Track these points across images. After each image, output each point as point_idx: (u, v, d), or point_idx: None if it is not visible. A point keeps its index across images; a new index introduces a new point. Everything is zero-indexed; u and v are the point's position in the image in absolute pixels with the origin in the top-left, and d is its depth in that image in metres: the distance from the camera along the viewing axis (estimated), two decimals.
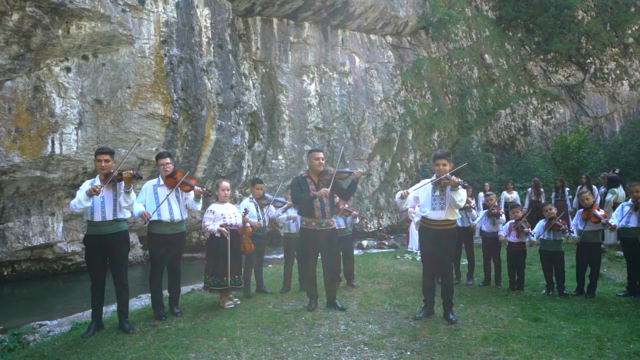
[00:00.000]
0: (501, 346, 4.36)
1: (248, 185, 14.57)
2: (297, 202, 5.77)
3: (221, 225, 5.82)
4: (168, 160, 5.69)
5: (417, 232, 10.26)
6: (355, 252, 8.58)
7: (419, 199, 5.37)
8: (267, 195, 7.02)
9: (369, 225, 17.79)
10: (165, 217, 5.52)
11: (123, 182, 4.93)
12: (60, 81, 10.55)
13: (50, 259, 11.44)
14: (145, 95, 11.75)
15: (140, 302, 7.25)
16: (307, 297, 5.87)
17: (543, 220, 6.99)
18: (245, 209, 6.18)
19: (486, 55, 23.06)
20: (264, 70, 16.04)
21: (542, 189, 12.66)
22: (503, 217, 7.66)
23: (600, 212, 6.68)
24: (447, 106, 21.76)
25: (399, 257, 10.70)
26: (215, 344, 4.49)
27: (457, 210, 5.30)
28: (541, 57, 24.01)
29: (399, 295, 6.56)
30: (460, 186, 4.96)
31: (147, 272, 6.21)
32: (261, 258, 7.03)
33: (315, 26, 17.19)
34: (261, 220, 6.66)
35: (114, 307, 5.88)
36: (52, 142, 10.49)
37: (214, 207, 6.00)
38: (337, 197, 6.22)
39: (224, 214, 5.94)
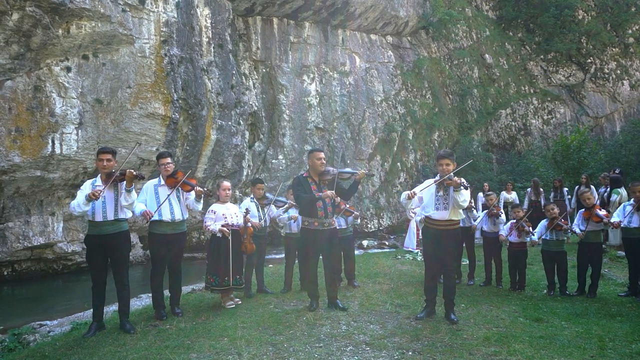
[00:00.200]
0: (503, 346, 4.35)
1: (248, 185, 14.57)
2: (300, 203, 5.74)
3: (222, 225, 5.81)
4: (169, 160, 5.69)
5: (415, 231, 10.32)
6: (356, 252, 8.57)
7: (422, 199, 5.37)
8: (268, 195, 7.01)
9: (369, 225, 17.78)
10: (166, 217, 5.51)
11: (125, 181, 4.92)
12: (61, 81, 10.54)
13: (51, 259, 11.43)
14: (146, 95, 11.74)
15: (140, 302, 7.24)
16: (308, 297, 5.86)
17: (545, 220, 6.98)
18: (247, 209, 6.17)
19: (486, 55, 23.06)
20: (264, 70, 16.04)
21: (541, 189, 12.66)
22: (503, 217, 7.65)
23: (602, 212, 6.67)
24: (448, 106, 21.75)
25: (399, 257, 10.69)
26: (216, 344, 4.48)
27: (460, 211, 5.30)
28: (541, 57, 24.01)
29: (400, 295, 6.55)
30: (462, 187, 4.95)
31: (148, 271, 6.21)
32: (262, 258, 7.02)
33: (316, 26, 17.18)
34: (262, 221, 6.65)
35: (114, 307, 5.88)
36: (53, 141, 10.48)
37: (215, 207, 5.99)
38: (338, 197, 6.20)
39: (226, 214, 5.93)
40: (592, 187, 11.09)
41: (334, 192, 5.46)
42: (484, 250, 7.83)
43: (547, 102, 23.61)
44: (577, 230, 6.69)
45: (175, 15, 12.46)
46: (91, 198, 4.73)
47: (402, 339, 4.57)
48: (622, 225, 6.54)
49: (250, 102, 15.22)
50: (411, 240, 10.57)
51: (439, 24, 21.44)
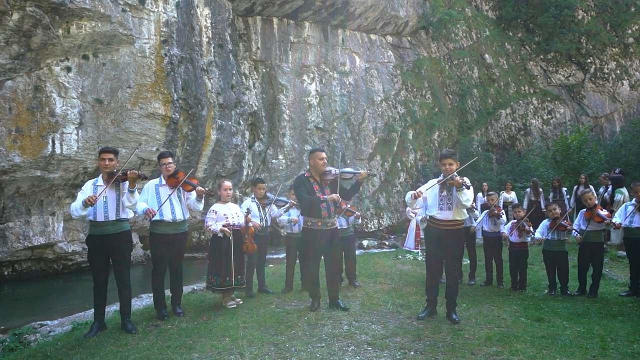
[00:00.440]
0: (505, 346, 4.35)
1: (248, 185, 14.57)
2: (303, 204, 5.71)
3: (224, 225, 5.80)
4: (170, 160, 5.68)
5: (415, 231, 10.32)
6: (356, 252, 8.57)
7: (426, 200, 5.36)
8: (269, 194, 7.01)
9: (369, 225, 17.78)
10: (168, 217, 5.50)
11: (127, 181, 4.92)
12: (61, 81, 10.54)
13: (51, 259, 11.42)
14: (146, 95, 11.74)
15: (141, 302, 7.24)
16: (309, 297, 5.86)
17: (547, 220, 6.98)
18: (248, 209, 6.16)
19: (486, 55, 23.07)
20: (264, 70, 16.03)
21: (541, 189, 12.66)
22: (504, 217, 7.66)
23: (604, 212, 6.68)
24: (448, 106, 21.76)
25: (400, 257, 10.69)
26: (218, 344, 4.48)
27: (464, 210, 5.30)
28: (541, 57, 24.02)
29: (401, 295, 6.55)
30: (464, 187, 4.95)
31: (148, 271, 6.20)
32: (263, 258, 7.01)
33: (316, 26, 17.18)
34: (263, 221, 6.64)
35: (115, 307, 5.88)
36: (53, 141, 10.48)
37: (216, 207, 5.98)
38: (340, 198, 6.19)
39: (227, 214, 5.92)
40: (590, 187, 11.10)
41: (337, 194, 5.45)
42: (484, 250, 7.83)
43: (547, 102, 23.62)
44: (576, 234, 6.69)
45: (175, 15, 12.46)
46: (87, 204, 4.73)
47: (404, 339, 4.57)
48: (623, 226, 6.55)
49: (250, 102, 15.21)
50: (411, 240, 10.57)
51: (438, 24, 21.45)
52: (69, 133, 10.67)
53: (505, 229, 7.36)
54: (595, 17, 24.78)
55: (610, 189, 10.82)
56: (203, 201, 5.77)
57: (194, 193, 5.66)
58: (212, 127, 13.51)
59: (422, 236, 7.08)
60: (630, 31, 24.86)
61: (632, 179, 9.82)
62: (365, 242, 15.09)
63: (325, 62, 17.38)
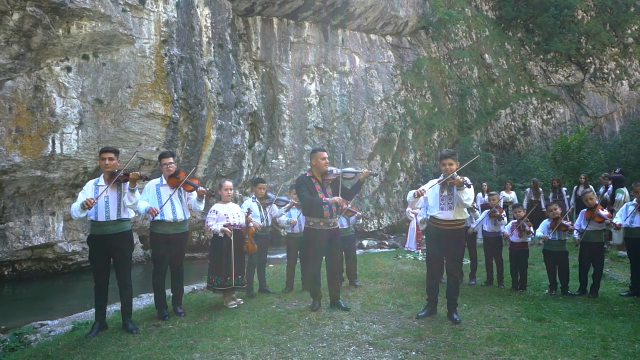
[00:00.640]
0: (506, 346, 4.34)
1: (248, 185, 14.57)
2: (306, 205, 5.69)
3: (224, 225, 5.80)
4: (171, 159, 5.67)
5: (415, 231, 10.33)
6: (357, 252, 8.57)
7: (427, 199, 5.36)
8: (269, 194, 7.00)
9: (369, 225, 17.79)
10: (169, 217, 5.50)
11: (128, 181, 4.91)
12: (61, 81, 10.53)
13: (51, 259, 11.42)
14: (146, 95, 11.73)
15: (141, 301, 7.22)
16: (310, 297, 5.85)
17: (547, 220, 6.98)
18: (249, 209, 6.15)
19: (486, 55, 23.08)
20: (264, 70, 16.03)
21: (541, 189, 12.66)
22: (505, 219, 7.66)
23: (605, 212, 6.68)
24: (447, 106, 21.77)
25: (400, 256, 10.68)
26: (219, 343, 4.47)
27: (465, 210, 5.29)
28: (541, 57, 24.04)
29: (401, 295, 6.55)
30: (465, 186, 4.95)
31: (148, 271, 6.20)
32: (263, 258, 7.00)
33: (316, 26, 17.18)
34: (264, 221, 6.64)
35: (116, 306, 5.87)
36: (53, 141, 10.47)
37: (217, 207, 5.98)
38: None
39: (227, 214, 5.91)
40: (590, 186, 11.11)
41: (340, 197, 5.45)
42: (485, 250, 7.83)
43: (547, 102, 23.64)
44: (577, 235, 6.69)
45: (175, 15, 12.45)
46: (85, 207, 4.73)
47: (405, 339, 4.56)
48: (623, 226, 6.56)
49: (250, 102, 15.21)
50: (412, 240, 10.59)
51: (438, 24, 21.47)
52: (69, 133, 10.67)
53: (505, 229, 7.36)
54: (594, 17, 24.80)
55: (610, 188, 10.83)
56: (204, 201, 5.77)
57: (194, 193, 5.65)
58: (212, 127, 13.51)
59: (423, 236, 7.08)
60: (629, 31, 24.88)
61: (632, 179, 9.83)
62: (365, 242, 15.10)
63: (325, 62, 17.38)
